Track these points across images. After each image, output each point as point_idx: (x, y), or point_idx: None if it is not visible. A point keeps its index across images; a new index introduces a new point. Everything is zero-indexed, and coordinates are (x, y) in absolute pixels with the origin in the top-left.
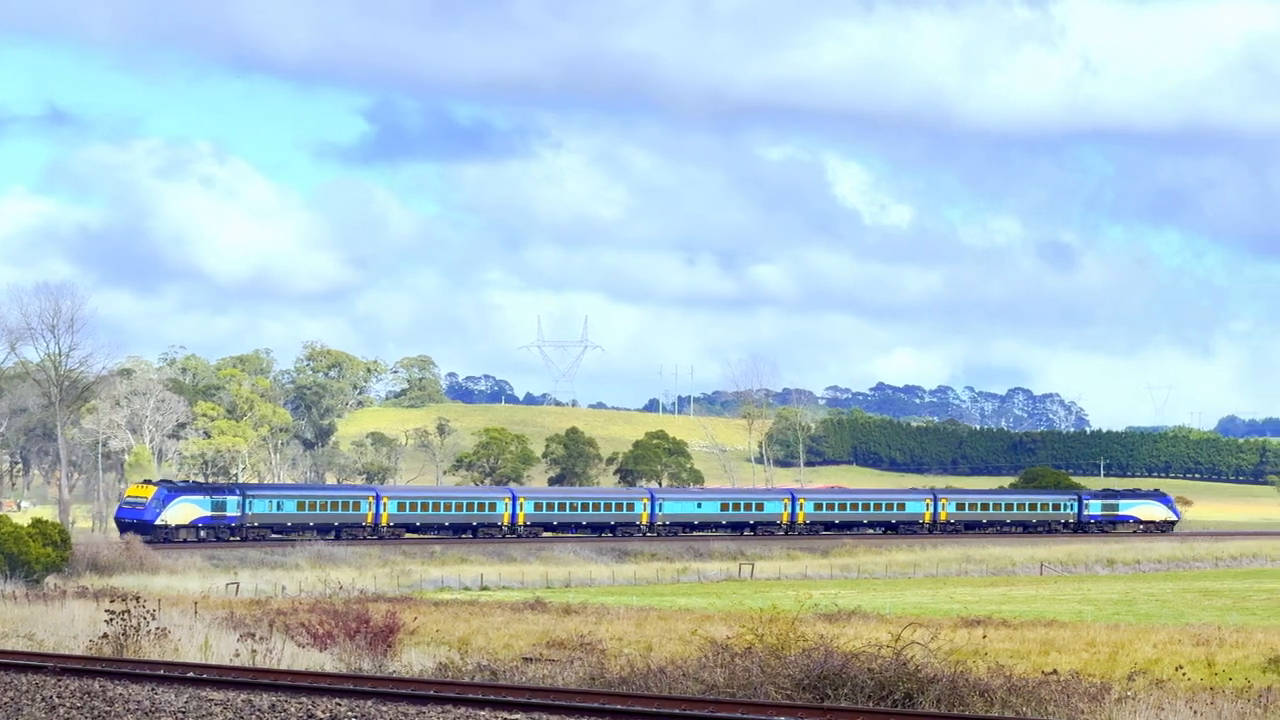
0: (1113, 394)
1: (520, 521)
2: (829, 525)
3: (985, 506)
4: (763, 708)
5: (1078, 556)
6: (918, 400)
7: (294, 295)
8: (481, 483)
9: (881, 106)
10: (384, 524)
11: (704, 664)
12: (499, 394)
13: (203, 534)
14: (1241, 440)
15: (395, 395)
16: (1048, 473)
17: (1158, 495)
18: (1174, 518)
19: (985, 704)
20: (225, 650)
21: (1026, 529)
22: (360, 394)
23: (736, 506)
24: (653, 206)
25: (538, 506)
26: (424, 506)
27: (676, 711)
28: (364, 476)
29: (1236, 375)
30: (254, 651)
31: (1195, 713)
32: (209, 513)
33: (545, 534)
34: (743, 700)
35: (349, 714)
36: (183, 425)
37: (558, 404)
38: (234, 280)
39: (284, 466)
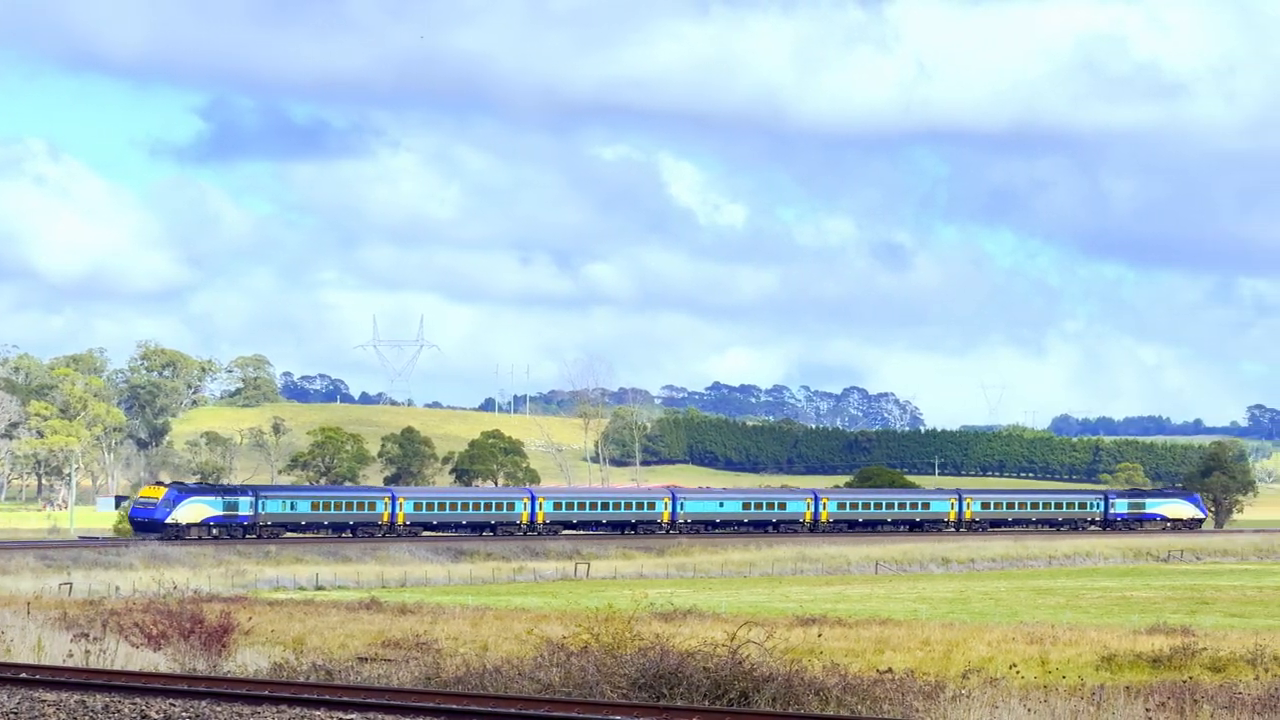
0: (947, 393)
1: (540, 520)
2: (852, 524)
3: (1011, 505)
4: (599, 707)
5: (912, 555)
6: (753, 399)
7: (128, 294)
8: (316, 482)
9: (716, 106)
10: (400, 523)
11: (540, 663)
12: (335, 393)
13: (215, 532)
14: (1075, 439)
15: (230, 395)
16: (883, 472)
17: (1185, 494)
18: (1202, 515)
19: (820, 703)
20: (58, 651)
21: (1053, 526)
22: (195, 393)
23: (759, 505)
24: (488, 206)
25: (557, 505)
26: (441, 506)
27: (512, 711)
28: (199, 476)
29: (1070, 374)
30: (88, 652)
31: (1029, 710)
32: (220, 512)
33: (565, 532)
34: (579, 700)
35: (183, 714)
36: (15, 425)
37: (394, 403)
38: (67, 279)
39: (118, 466)
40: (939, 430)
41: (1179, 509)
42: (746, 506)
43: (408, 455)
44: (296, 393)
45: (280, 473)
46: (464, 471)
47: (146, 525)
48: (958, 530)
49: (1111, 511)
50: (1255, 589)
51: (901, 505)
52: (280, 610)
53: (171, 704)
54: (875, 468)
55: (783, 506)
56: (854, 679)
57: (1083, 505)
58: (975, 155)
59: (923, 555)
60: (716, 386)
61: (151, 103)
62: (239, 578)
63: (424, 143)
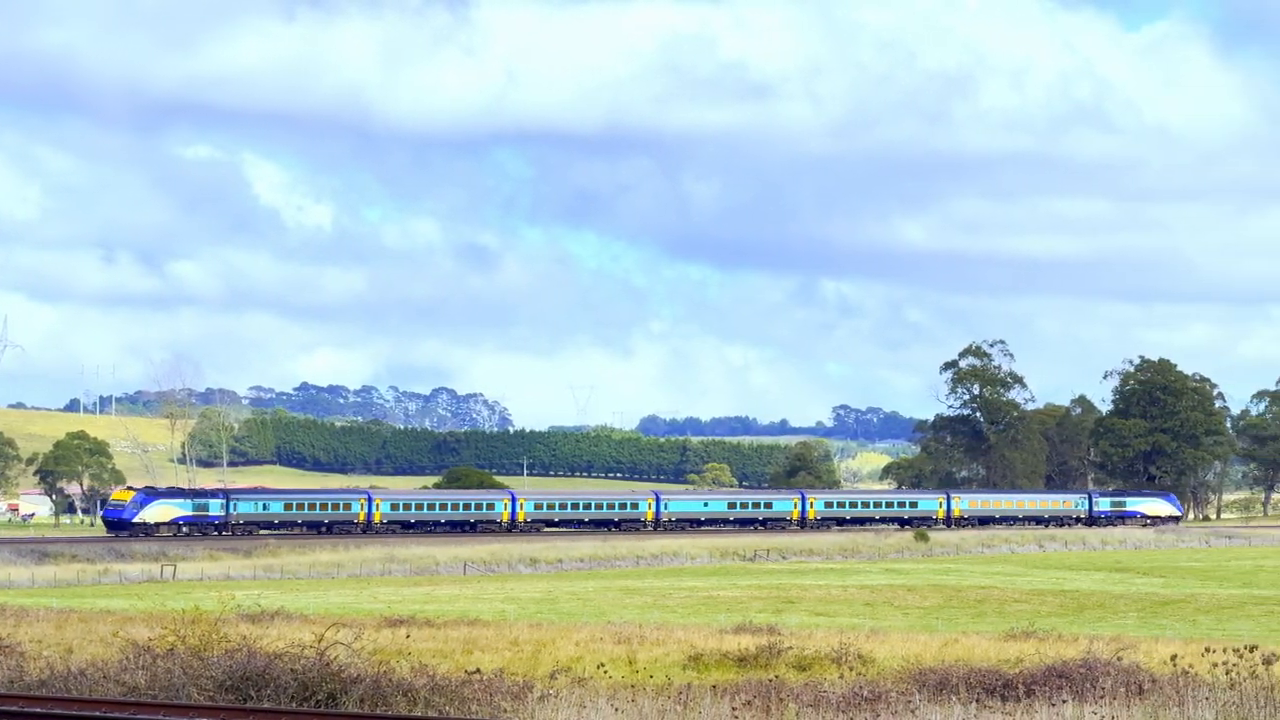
0: (536, 394)
1: (520, 519)
2: (840, 521)
3: (998, 503)
4: (185, 709)
5: (501, 556)
6: (342, 400)
7: None
8: None
9: (301, 107)
10: (378, 521)
11: (125, 666)
12: None
13: (185, 530)
14: (663, 439)
15: None
16: (472, 472)
17: (1163, 494)
18: (1178, 513)
19: (409, 703)
20: None
21: (1039, 523)
22: None
23: (745, 505)
24: (71, 205)
25: (537, 506)
26: (419, 506)
27: (97, 714)
28: None
29: (657, 375)
30: None
31: (617, 710)
32: (190, 513)
33: (547, 529)
34: (164, 702)
35: None
36: None
37: None
38: None
39: None
40: (528, 431)
41: (1157, 507)
42: (731, 506)
43: None
44: None
45: None
46: (49, 473)
47: (117, 524)
48: (948, 526)
49: (1095, 509)
50: (840, 588)
51: (889, 505)
52: None
53: None
54: (464, 468)
55: (769, 506)
56: (442, 680)
57: (1068, 504)
58: (561, 157)
59: (510, 556)
60: (305, 387)
61: None
62: None
63: (5, 141)
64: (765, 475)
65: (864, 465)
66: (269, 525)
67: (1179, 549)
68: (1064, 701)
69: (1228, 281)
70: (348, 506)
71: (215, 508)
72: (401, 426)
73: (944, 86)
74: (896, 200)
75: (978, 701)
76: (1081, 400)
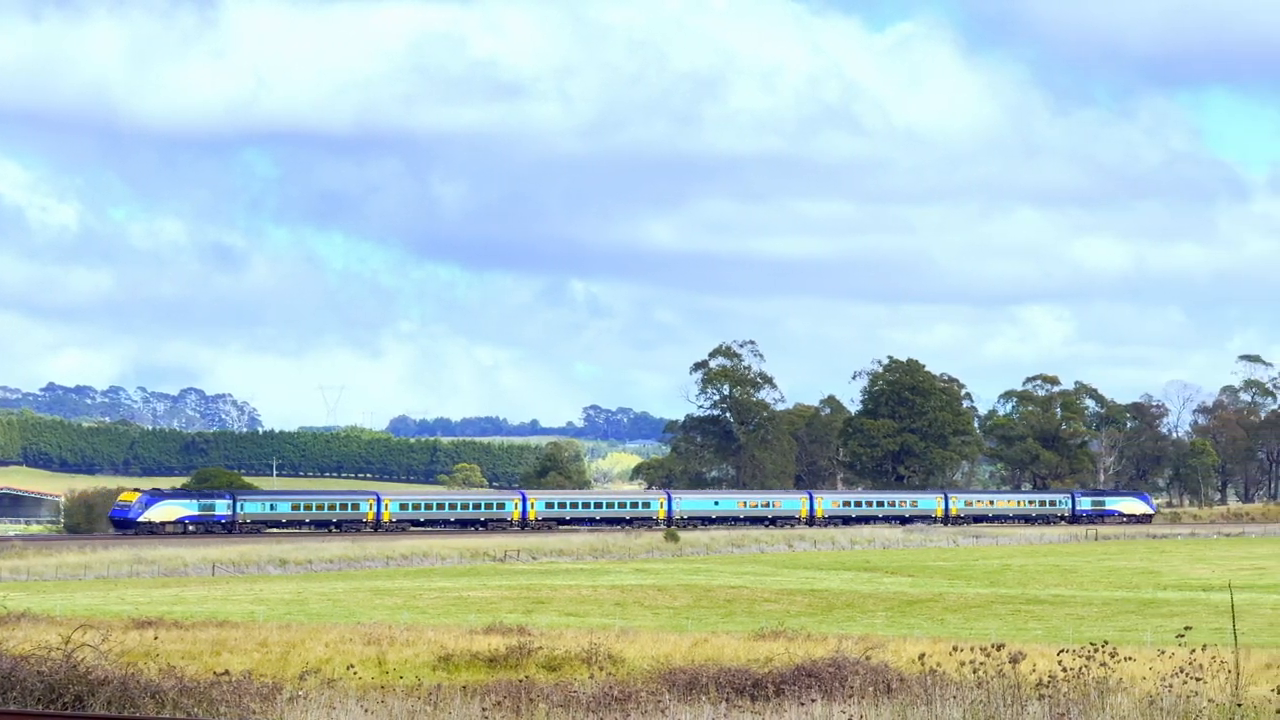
0: (285, 394)
1: (531, 517)
2: (846, 519)
3: (991, 503)
4: None
5: (249, 557)
6: (89, 401)
7: None
8: None
9: (44, 105)
10: (386, 520)
11: None
12: None
13: (190, 529)
14: (413, 440)
15: None
16: (220, 473)
17: (1138, 494)
18: (1151, 511)
19: (157, 705)
20: None
21: (1027, 521)
22: None
23: (755, 504)
24: None
25: (549, 505)
26: (429, 506)
27: None
28: None
29: (407, 375)
30: None
31: (367, 711)
32: (196, 513)
33: (560, 527)
34: None
35: None
36: None
37: None
38: None
39: None
40: (277, 431)
41: (1133, 505)
42: (742, 505)
43: None
44: None
45: None
46: None
47: (123, 524)
48: (946, 524)
49: (1078, 508)
50: (590, 588)
51: (892, 503)
52: None
53: None
54: (212, 469)
55: (778, 505)
56: (190, 681)
57: (1053, 503)
58: (308, 157)
59: (259, 557)
60: (52, 387)
61: None
62: None
63: None
64: (516, 476)
65: (614, 465)
66: (276, 525)
67: (927, 549)
68: (813, 700)
69: (973, 283)
70: (356, 506)
71: (221, 508)
72: (150, 427)
73: (694, 88)
74: (646, 201)
75: (728, 701)
76: (831, 400)
